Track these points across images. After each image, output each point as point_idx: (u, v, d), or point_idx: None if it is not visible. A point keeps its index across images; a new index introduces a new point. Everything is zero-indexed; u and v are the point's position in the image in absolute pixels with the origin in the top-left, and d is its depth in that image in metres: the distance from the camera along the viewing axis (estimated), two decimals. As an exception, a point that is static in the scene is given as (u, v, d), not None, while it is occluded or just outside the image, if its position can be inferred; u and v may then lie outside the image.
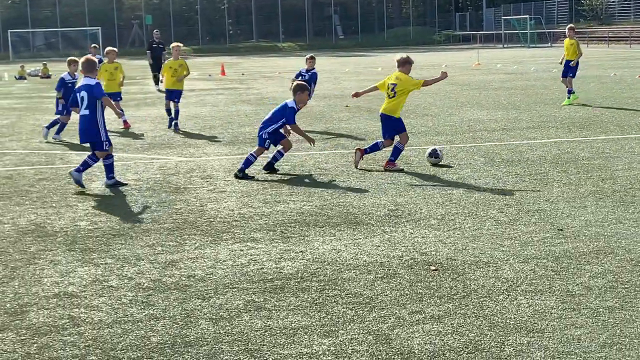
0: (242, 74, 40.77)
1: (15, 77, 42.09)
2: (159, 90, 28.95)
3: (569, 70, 21.06)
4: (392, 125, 12.21)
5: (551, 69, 36.29)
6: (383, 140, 12.35)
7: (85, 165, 11.19)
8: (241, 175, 11.80)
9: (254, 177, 11.79)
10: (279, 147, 12.17)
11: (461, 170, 11.84)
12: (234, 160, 13.41)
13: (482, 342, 5.35)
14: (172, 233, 8.59)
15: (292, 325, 5.78)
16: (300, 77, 17.82)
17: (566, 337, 5.36)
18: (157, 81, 30.89)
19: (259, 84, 32.90)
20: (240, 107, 22.95)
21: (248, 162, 11.98)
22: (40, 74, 42.67)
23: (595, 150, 13.21)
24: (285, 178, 11.64)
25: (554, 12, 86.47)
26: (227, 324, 5.85)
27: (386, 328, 5.66)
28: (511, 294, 6.29)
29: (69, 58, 17.27)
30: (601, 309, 5.86)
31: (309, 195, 10.35)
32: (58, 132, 16.72)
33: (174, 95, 18.54)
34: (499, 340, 5.37)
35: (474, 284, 6.55)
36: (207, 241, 8.22)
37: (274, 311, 6.08)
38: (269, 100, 25.01)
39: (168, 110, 18.65)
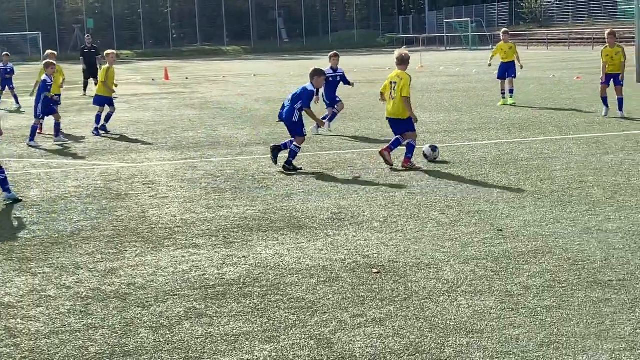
0: (186, 78, 40.52)
1: None
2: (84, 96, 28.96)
3: (509, 71, 21.40)
4: (403, 127, 12.28)
5: (492, 71, 36.77)
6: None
7: None
8: (291, 167, 12.23)
9: (301, 167, 12.30)
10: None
11: (404, 172, 11.91)
12: (177, 165, 13.32)
13: (423, 344, 5.38)
14: (112, 241, 8.49)
15: (234, 331, 5.75)
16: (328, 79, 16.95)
17: (505, 337, 5.42)
18: (85, 87, 30.63)
19: (203, 88, 32.72)
20: (184, 112, 22.80)
21: (294, 154, 12.27)
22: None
23: (534, 151, 13.40)
24: (229, 183, 11.59)
25: (494, 15, 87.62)
26: (168, 332, 5.79)
27: (328, 332, 5.66)
28: (451, 295, 6.34)
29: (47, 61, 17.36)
30: (539, 309, 5.94)
31: (252, 200, 10.31)
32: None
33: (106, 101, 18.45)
34: (439, 341, 5.41)
35: (415, 286, 6.59)
36: (148, 248, 8.14)
37: (215, 318, 6.04)
38: (213, 104, 24.92)
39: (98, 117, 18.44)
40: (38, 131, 17.16)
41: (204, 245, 8.20)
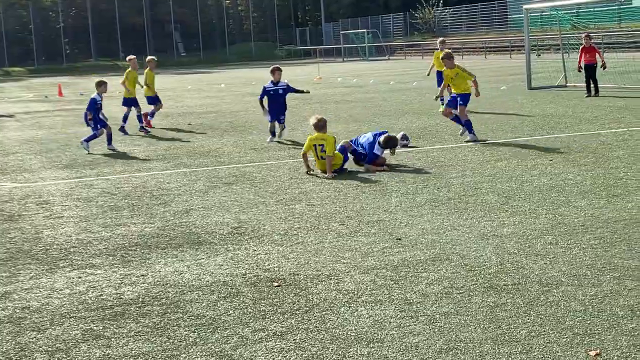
0: (81, 94, 39.68)
1: None
2: None
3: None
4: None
5: (389, 82, 37.30)
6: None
7: None
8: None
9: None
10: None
11: (303, 184, 11.95)
12: (72, 184, 13.02)
13: (324, 355, 5.39)
14: (5, 264, 8.23)
15: (133, 352, 5.64)
16: (270, 93, 17.27)
17: (405, 345, 5.48)
18: None
19: (99, 104, 32.05)
20: (79, 129, 22.30)
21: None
22: None
23: (431, 159, 13.64)
24: (126, 200, 11.39)
25: (389, 26, 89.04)
26: (64, 355, 5.63)
27: (229, 348, 5.61)
28: (352, 305, 6.37)
29: (97, 80, 17.75)
30: (437, 315, 6.03)
31: (150, 217, 10.16)
32: (109, 141, 17.33)
33: None
34: (340, 352, 5.42)
35: (316, 298, 6.60)
36: (42, 270, 7.92)
37: (113, 339, 5.91)
38: (111, 120, 24.44)
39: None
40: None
41: (101, 264, 8.03)
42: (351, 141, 13.52)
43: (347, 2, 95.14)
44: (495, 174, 11.85)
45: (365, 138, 13.49)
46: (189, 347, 5.68)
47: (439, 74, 21.94)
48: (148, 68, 21.60)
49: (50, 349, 5.77)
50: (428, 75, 23.81)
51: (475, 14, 78.94)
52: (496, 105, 22.65)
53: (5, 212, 10.92)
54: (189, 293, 6.94)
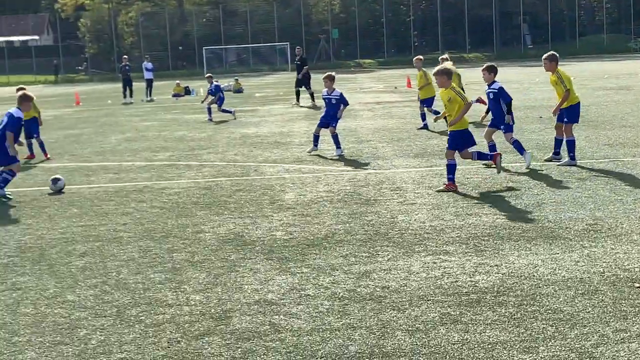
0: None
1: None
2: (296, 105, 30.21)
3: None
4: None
5: None
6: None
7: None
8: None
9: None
10: None
11: (663, 183, 11.28)
12: (423, 172, 13.39)
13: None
14: (364, 244, 8.69)
15: (490, 339, 5.70)
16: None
17: None
18: (298, 98, 31.40)
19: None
20: (428, 120, 22.85)
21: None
22: (232, 89, 44.27)
23: None
24: (477, 190, 11.50)
25: None
26: (424, 335, 5.84)
27: (589, 346, 5.47)
28: None
29: (328, 74, 16.85)
30: None
31: (501, 208, 10.17)
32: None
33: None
34: None
35: (683, 304, 6.22)
36: (399, 253, 8.26)
37: (470, 325, 6.01)
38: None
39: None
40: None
41: (454, 252, 8.19)
42: None
43: None
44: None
45: None
46: (547, 340, 5.62)
47: None
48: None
49: (410, 328, 6.01)
50: None
51: None
52: None
53: (362, 196, 11.51)
54: (544, 287, 6.86)
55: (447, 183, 11.63)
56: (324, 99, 16.73)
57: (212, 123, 25.12)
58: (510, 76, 40.00)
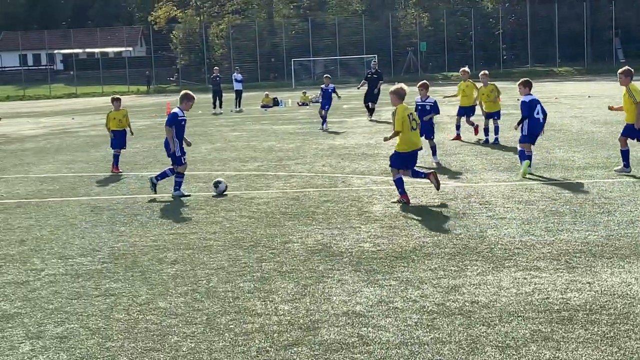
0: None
1: (298, 103, 44.38)
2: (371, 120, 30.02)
3: None
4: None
5: None
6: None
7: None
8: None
9: None
10: None
11: None
12: (512, 186, 13.23)
13: None
14: (453, 258, 8.63)
15: (583, 358, 5.60)
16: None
17: None
18: (371, 112, 31.05)
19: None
20: (508, 134, 22.55)
21: None
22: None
23: None
24: (567, 207, 11.30)
25: None
26: (514, 352, 5.77)
27: (687, 369, 5.33)
28: None
29: (422, 82, 17.40)
30: None
31: (593, 225, 9.97)
32: None
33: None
34: None
35: None
36: (488, 268, 8.17)
37: (562, 343, 5.91)
38: (547, 125, 24.38)
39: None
40: None
41: (545, 268, 8.07)
42: None
43: None
44: None
45: None
46: (642, 361, 5.49)
47: None
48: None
49: (500, 344, 5.94)
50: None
51: None
52: None
53: (451, 209, 11.43)
54: (638, 305, 6.71)
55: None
56: (417, 105, 16.87)
57: (300, 134, 25.32)
58: (604, 90, 39.18)
